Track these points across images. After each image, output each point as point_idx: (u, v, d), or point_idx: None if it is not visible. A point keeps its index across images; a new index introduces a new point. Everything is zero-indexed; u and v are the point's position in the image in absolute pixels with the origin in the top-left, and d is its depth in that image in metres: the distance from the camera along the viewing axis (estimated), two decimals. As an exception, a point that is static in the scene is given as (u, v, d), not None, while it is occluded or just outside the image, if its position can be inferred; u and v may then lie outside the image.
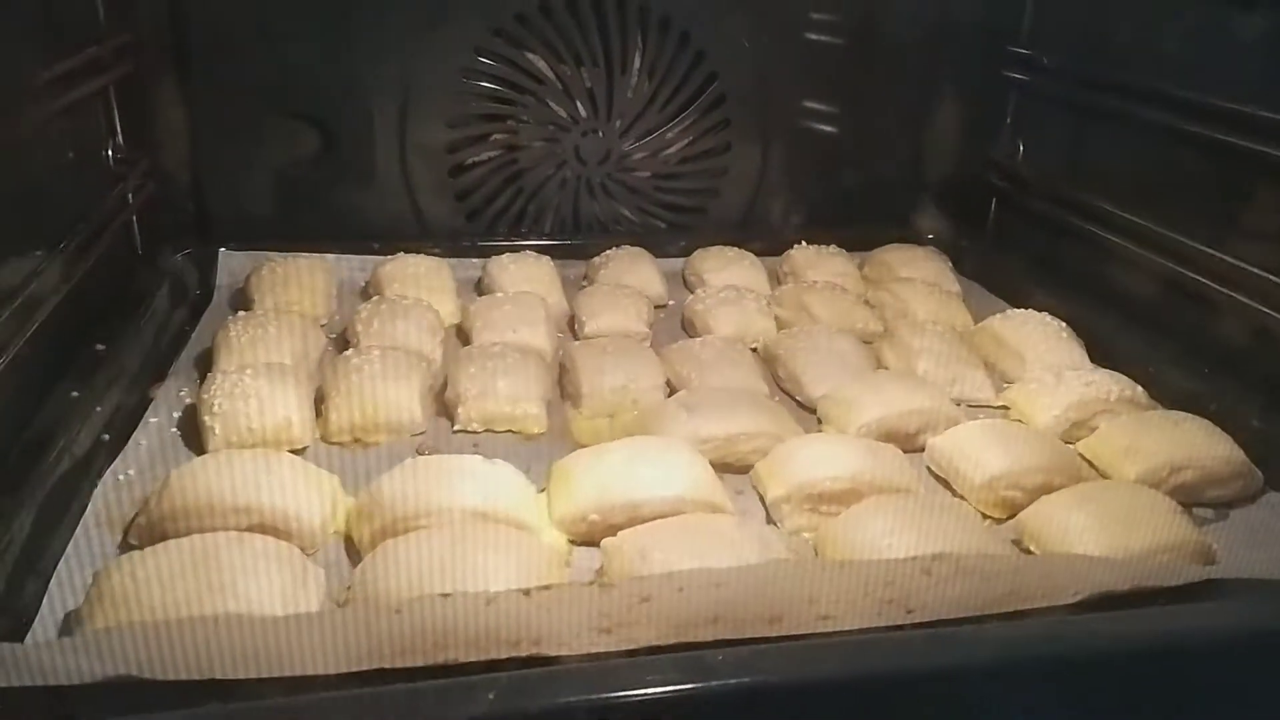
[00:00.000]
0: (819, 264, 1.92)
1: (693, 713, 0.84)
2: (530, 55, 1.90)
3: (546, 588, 0.89)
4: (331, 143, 1.89)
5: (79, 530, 1.12)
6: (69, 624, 0.97)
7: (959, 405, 1.46)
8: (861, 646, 0.93)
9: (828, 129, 2.09)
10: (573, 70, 1.92)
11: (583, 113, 1.96)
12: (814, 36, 2.02)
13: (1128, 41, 1.79)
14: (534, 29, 1.88)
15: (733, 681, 0.85)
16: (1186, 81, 1.61)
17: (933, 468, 1.35)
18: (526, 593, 0.87)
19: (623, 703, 0.83)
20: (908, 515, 1.12)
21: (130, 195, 1.71)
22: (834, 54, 2.04)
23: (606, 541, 1.09)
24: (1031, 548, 1.17)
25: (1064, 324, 1.66)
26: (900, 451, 1.31)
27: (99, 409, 1.32)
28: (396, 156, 1.91)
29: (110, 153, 1.72)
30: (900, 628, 0.96)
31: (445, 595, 0.86)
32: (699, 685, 0.84)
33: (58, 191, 1.52)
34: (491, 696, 0.80)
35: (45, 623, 0.98)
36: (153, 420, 1.36)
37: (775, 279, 1.92)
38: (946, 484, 1.32)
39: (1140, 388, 1.48)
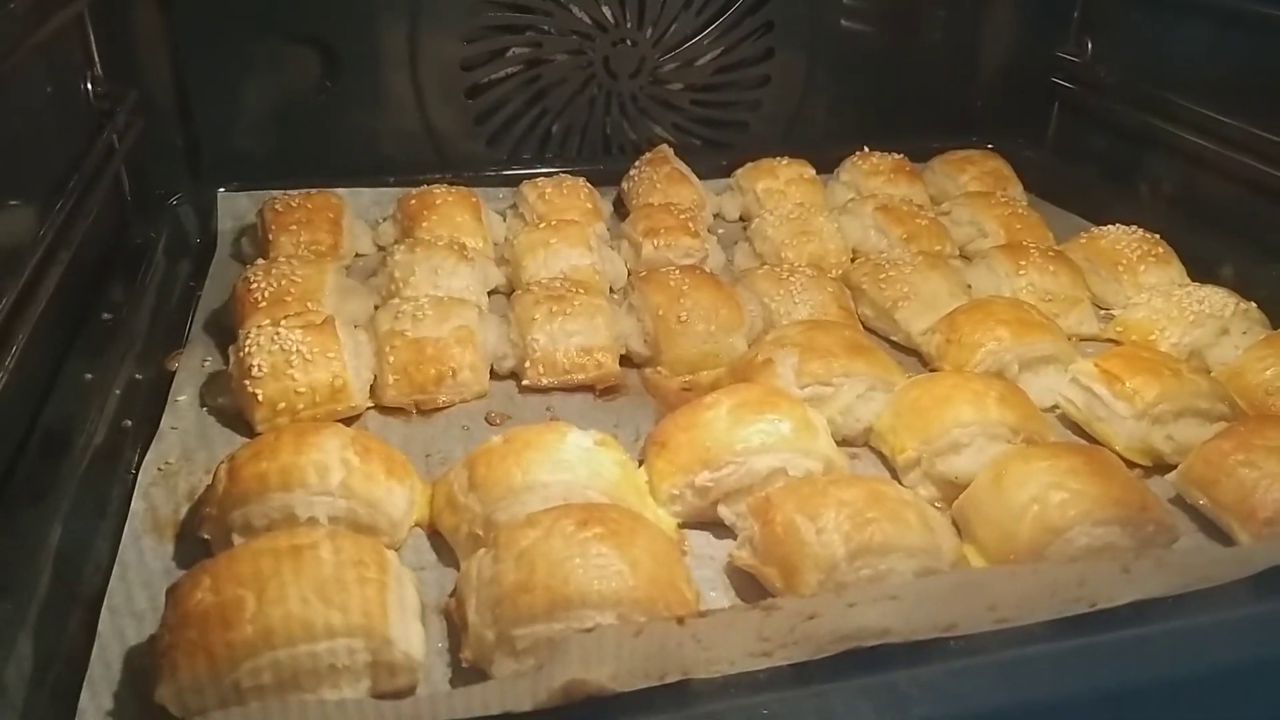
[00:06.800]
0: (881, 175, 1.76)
1: None
2: (553, -46, 1.70)
3: (704, 614, 0.77)
4: (334, 64, 1.69)
5: (125, 539, 0.96)
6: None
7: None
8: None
9: (878, 30, 1.91)
10: (599, -30, 1.72)
11: (610, 19, 1.76)
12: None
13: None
14: (556, -78, 1.68)
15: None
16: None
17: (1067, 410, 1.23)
18: (681, 621, 0.74)
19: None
20: (1061, 473, 0.99)
21: (117, 136, 1.49)
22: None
23: (753, 504, 0.95)
24: (1202, 501, 1.04)
25: (1158, 237, 1.52)
26: (1025, 393, 1.18)
27: (116, 391, 1.15)
28: (407, 77, 1.71)
29: (90, 86, 1.50)
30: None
31: (588, 630, 0.74)
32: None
33: (41, 138, 1.32)
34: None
35: (108, 655, 0.84)
36: (180, 398, 1.19)
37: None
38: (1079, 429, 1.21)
39: (1253, 303, 1.36)
